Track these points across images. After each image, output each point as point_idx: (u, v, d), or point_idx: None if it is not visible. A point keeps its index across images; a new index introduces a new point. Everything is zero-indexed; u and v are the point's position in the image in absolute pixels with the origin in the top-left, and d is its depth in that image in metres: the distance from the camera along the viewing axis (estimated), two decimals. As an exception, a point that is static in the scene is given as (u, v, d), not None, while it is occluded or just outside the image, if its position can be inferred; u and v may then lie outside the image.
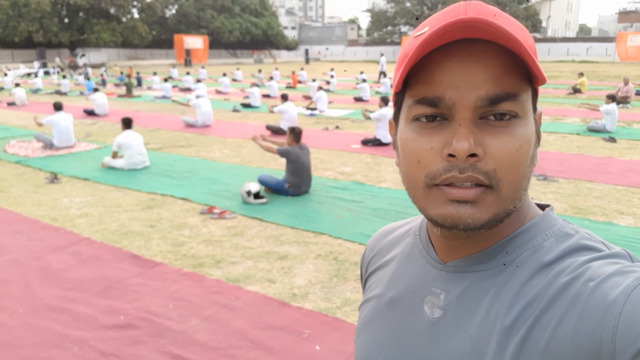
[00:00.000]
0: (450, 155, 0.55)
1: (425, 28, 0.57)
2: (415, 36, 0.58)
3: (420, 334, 0.64)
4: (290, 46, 75.93)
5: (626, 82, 15.34)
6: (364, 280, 0.83)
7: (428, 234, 0.70)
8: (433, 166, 0.57)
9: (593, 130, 10.46)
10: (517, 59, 0.55)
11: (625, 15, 67.17)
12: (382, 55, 29.90)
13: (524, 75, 0.57)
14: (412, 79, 0.58)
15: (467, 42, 0.55)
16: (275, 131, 10.67)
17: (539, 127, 0.62)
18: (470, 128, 0.55)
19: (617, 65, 37.36)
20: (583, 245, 0.58)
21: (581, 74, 19.48)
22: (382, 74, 25.85)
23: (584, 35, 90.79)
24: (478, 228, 0.57)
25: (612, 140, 9.52)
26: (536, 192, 6.18)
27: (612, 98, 10.56)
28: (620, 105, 14.23)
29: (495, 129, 0.56)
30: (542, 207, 0.67)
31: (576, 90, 18.62)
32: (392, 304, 0.70)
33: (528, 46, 0.54)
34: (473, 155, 0.54)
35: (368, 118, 9.35)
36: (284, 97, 11.12)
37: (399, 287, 0.70)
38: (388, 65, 45.21)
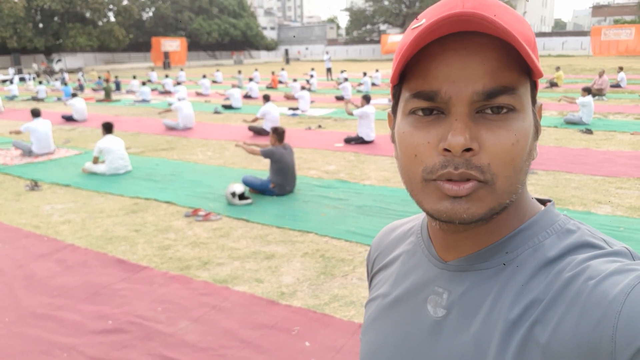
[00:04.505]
0: (446, 149, 0.55)
1: (423, 20, 0.57)
2: (412, 28, 0.58)
3: (424, 333, 0.64)
4: (270, 46, 75.73)
5: (601, 75, 15.68)
6: (370, 278, 0.84)
7: (429, 232, 0.70)
8: (430, 160, 0.56)
9: (570, 123, 10.68)
10: (515, 52, 0.54)
11: (599, 9, 68.51)
12: (327, 53, 33.01)
13: (523, 68, 0.56)
14: (408, 72, 0.58)
15: (464, 35, 0.54)
16: (258, 132, 10.66)
17: (538, 120, 0.62)
18: (466, 122, 0.54)
19: (592, 58, 38.07)
20: (585, 242, 0.57)
21: (558, 68, 19.84)
22: (328, 70, 29.11)
23: (559, 29, 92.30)
24: (474, 222, 0.57)
25: (589, 132, 9.72)
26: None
27: (587, 91, 10.78)
28: (596, 97, 14.54)
29: (491, 122, 0.55)
30: (543, 202, 0.67)
31: (553, 84, 18.95)
32: (396, 303, 0.71)
33: (525, 39, 0.54)
34: (468, 149, 0.54)
35: (350, 114, 9.42)
36: (266, 98, 11.11)
37: (402, 286, 0.71)
38: (370, 63, 45.34)
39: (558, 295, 0.53)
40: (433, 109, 0.57)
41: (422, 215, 0.74)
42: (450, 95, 0.55)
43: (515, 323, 0.55)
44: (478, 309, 0.59)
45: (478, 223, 0.58)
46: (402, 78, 0.60)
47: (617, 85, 17.98)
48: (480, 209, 0.56)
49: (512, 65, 0.54)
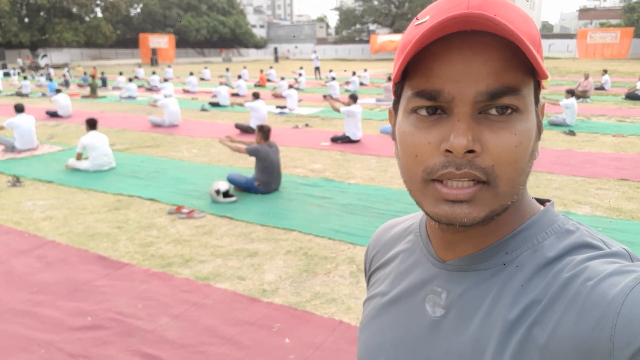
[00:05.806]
0: (448, 150, 0.54)
1: (427, 17, 0.56)
2: (416, 25, 0.57)
3: (422, 332, 0.64)
4: (259, 45, 75.53)
5: (586, 77, 15.88)
6: (368, 277, 0.83)
7: (427, 230, 0.70)
8: (430, 161, 0.56)
9: (554, 124, 10.81)
10: (519, 52, 0.53)
11: (585, 12, 69.32)
12: (314, 52, 33.71)
13: (527, 68, 0.54)
14: (411, 70, 0.57)
15: (468, 34, 0.53)
16: (245, 130, 10.64)
17: (540, 119, 0.61)
18: (469, 123, 0.54)
19: (578, 61, 38.52)
20: (583, 243, 0.57)
21: (543, 70, 20.04)
22: (317, 69, 29.69)
23: (546, 32, 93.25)
24: (475, 225, 0.57)
25: (572, 133, 9.86)
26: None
27: (571, 93, 10.93)
28: (580, 99, 14.73)
29: (495, 124, 0.54)
30: (542, 201, 0.66)
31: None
32: (394, 301, 0.70)
33: (530, 39, 0.53)
34: (471, 151, 0.53)
35: (337, 110, 9.41)
36: (255, 95, 11.08)
37: (401, 285, 0.70)
38: (359, 63, 45.38)
39: (557, 296, 0.53)
40: (436, 107, 0.56)
41: (421, 213, 0.74)
42: (453, 95, 0.54)
43: (514, 324, 0.55)
44: (477, 309, 0.59)
45: (478, 225, 0.57)
46: (405, 75, 0.58)
47: (602, 88, 18.25)
48: (481, 212, 0.55)
49: (516, 65, 0.54)
